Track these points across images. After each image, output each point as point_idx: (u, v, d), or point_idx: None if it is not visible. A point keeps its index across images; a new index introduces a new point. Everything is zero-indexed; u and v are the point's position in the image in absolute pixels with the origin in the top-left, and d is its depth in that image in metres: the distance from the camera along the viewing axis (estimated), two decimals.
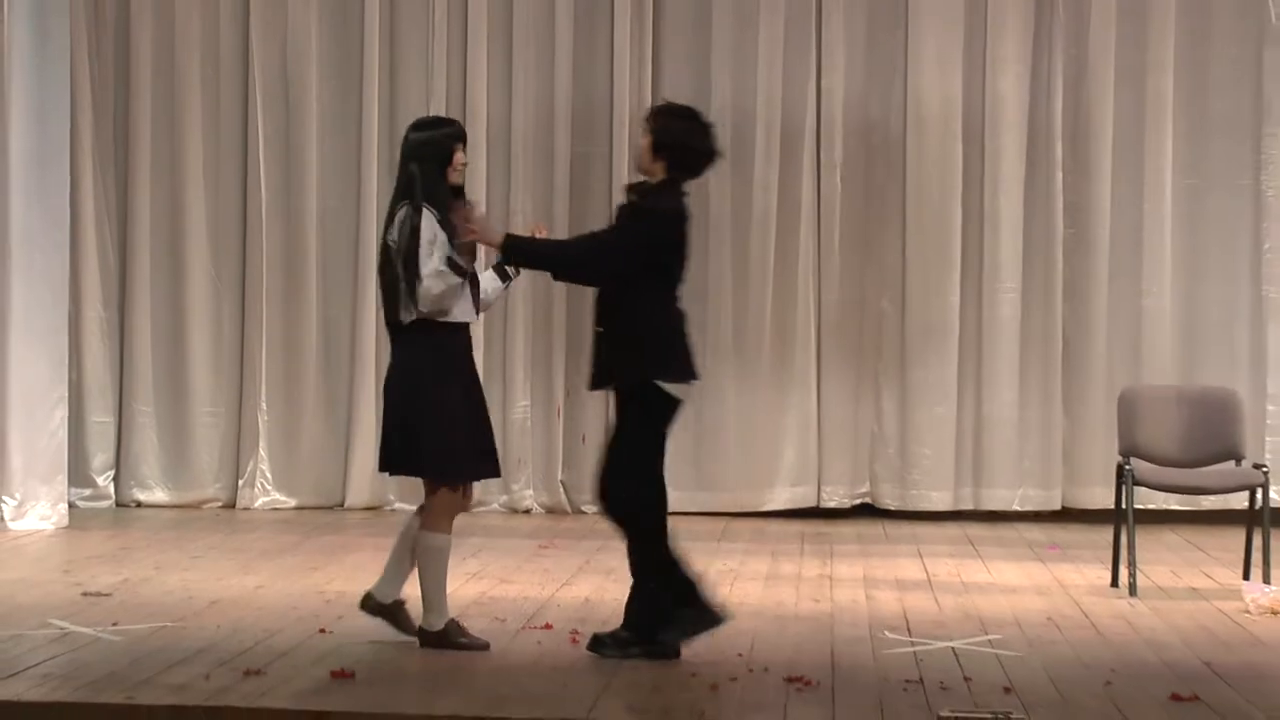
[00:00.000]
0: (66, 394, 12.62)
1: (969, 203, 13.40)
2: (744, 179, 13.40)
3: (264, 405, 13.47)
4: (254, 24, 13.48)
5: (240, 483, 13.53)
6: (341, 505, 13.48)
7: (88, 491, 13.36)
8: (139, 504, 13.51)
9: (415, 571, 8.49)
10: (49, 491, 12.28)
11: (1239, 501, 10.78)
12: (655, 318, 8.37)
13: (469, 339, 8.55)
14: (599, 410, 13.38)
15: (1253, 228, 13.36)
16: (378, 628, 8.73)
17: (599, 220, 13.27)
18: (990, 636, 8.75)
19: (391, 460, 8.57)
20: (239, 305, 13.59)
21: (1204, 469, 10.58)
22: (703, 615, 8.29)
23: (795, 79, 13.47)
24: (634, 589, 8.32)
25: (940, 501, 13.34)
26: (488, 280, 8.70)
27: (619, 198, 13.09)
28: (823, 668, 7.97)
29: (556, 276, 9.28)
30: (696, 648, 8.39)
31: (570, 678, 7.72)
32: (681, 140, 8.49)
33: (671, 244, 8.40)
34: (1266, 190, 13.32)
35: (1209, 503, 12.21)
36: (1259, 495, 10.28)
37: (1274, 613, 9.51)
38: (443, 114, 13.20)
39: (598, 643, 8.30)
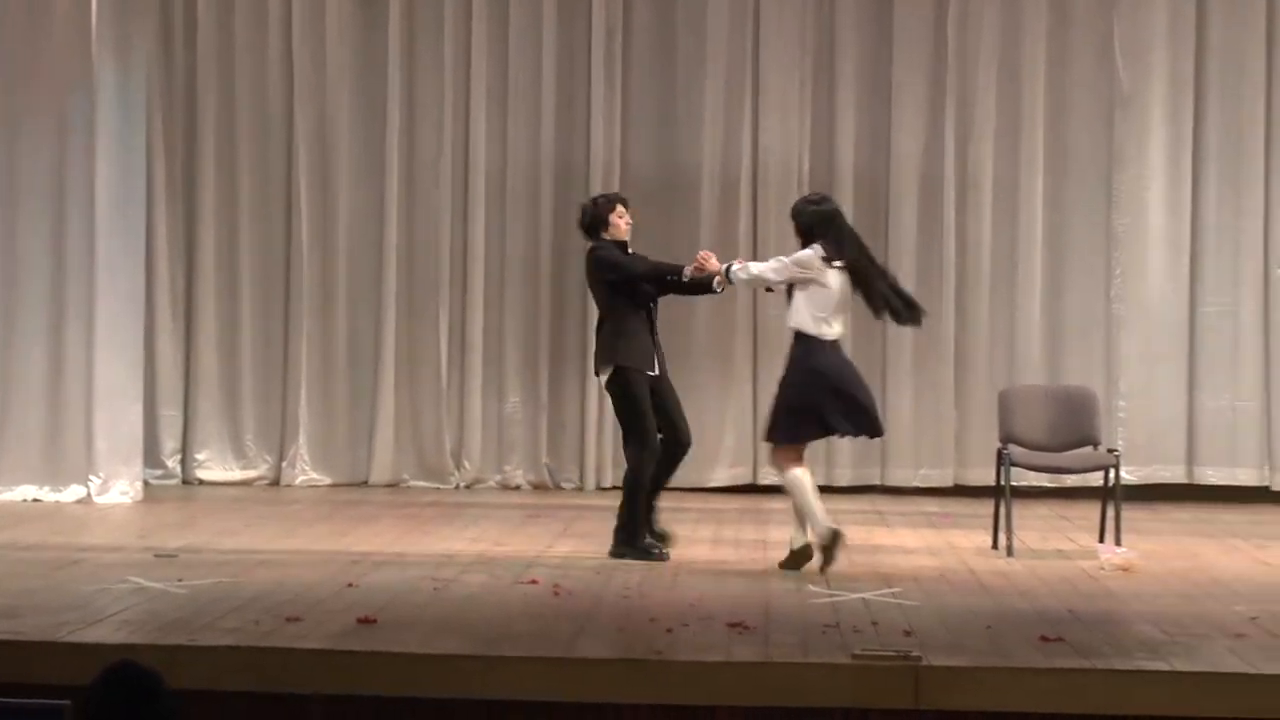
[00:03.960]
0: (142, 391, 12.58)
1: (875, 237, 13.31)
2: (692, 216, 13.39)
3: (302, 400, 13.45)
4: (297, 89, 13.47)
5: (283, 464, 13.50)
6: (366, 483, 13.45)
7: (159, 471, 13.30)
8: (200, 482, 13.46)
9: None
10: (127, 471, 12.22)
11: (1095, 480, 10.80)
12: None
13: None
14: (575, 404, 13.42)
15: (1105, 254, 13.40)
16: (395, 582, 8.71)
17: (577, 247, 13.34)
18: (893, 589, 8.75)
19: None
20: (282, 318, 13.56)
21: (1067, 453, 10.59)
22: None
23: (734, 134, 13.48)
24: None
25: (851, 478, 13.34)
26: None
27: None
28: (758, 615, 7.95)
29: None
30: (655, 599, 8.39)
31: (552, 622, 7.70)
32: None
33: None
34: (1116, 225, 13.36)
35: (1071, 481, 12.23)
36: (1112, 474, 10.30)
37: (1123, 570, 9.53)
38: (449, 163, 13.31)
39: None
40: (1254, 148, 13.29)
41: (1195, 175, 13.36)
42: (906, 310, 9.68)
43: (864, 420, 9.62)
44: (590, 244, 10.07)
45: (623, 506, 9.89)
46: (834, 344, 9.55)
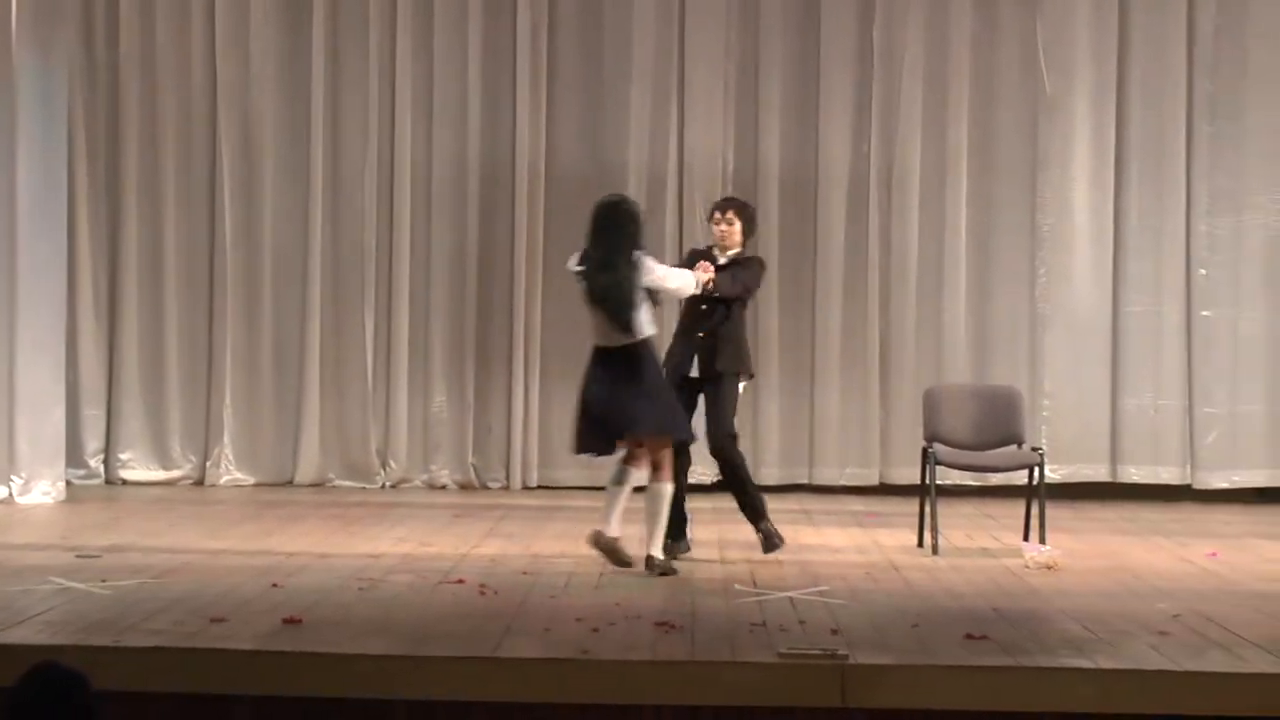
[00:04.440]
0: (64, 392, 12.50)
1: (803, 239, 13.46)
2: None
3: (227, 400, 13.39)
4: (220, 89, 13.40)
5: (208, 464, 13.43)
6: (291, 482, 13.40)
7: (82, 472, 13.22)
8: (124, 482, 13.38)
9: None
10: (50, 472, 12.14)
11: (1020, 478, 10.84)
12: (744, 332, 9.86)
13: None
14: (501, 404, 13.40)
15: (1029, 255, 13.47)
16: (321, 583, 8.68)
17: (503, 248, 13.36)
18: (820, 588, 8.77)
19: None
20: (207, 319, 13.50)
21: (992, 451, 10.65)
22: None
23: (660, 133, 13.49)
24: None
25: (779, 478, 13.37)
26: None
27: (521, 229, 13.27)
28: (685, 615, 7.97)
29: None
30: (581, 599, 8.40)
31: (479, 622, 7.69)
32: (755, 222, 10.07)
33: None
34: (1041, 226, 13.44)
35: (996, 479, 12.29)
36: (1036, 473, 10.36)
37: (1047, 568, 9.59)
38: (374, 163, 13.28)
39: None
40: (1175, 151, 13.39)
41: (1118, 178, 13.45)
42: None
43: (593, 441, 9.42)
44: None
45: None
46: (597, 352, 9.35)
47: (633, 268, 9.25)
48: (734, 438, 9.78)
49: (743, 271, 9.79)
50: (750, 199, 13.17)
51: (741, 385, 9.89)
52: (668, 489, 9.33)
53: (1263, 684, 6.79)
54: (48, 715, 4.44)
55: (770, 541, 9.75)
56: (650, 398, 9.28)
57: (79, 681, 4.52)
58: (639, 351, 9.27)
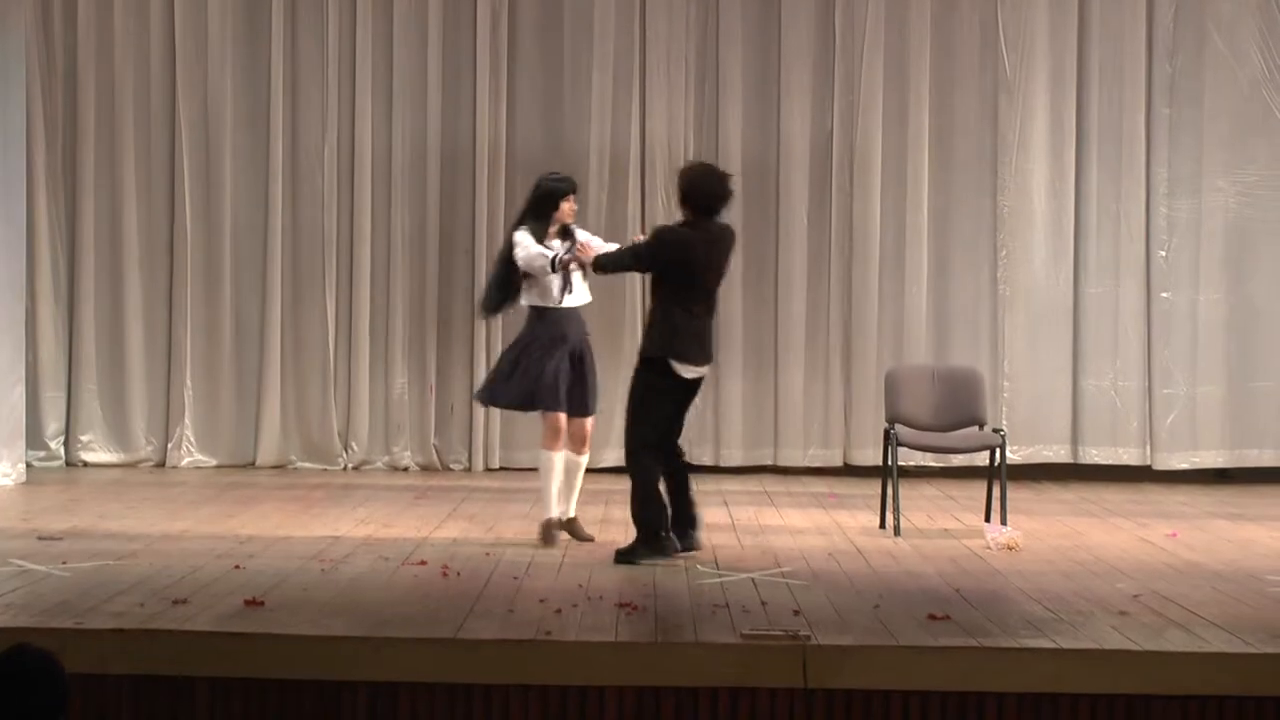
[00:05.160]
0: (24, 374, 12.45)
1: (765, 221, 13.45)
2: (579, 199, 13.33)
3: (188, 382, 13.35)
4: (179, 70, 13.34)
5: (169, 445, 13.39)
6: (252, 464, 13.36)
7: (42, 454, 13.16)
8: (85, 464, 13.33)
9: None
10: (9, 454, 12.08)
11: (981, 459, 10.88)
12: (668, 312, 9.09)
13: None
14: (463, 386, 13.38)
15: (990, 237, 13.50)
16: (282, 565, 8.66)
17: (464, 230, 13.36)
18: (782, 569, 8.79)
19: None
20: (167, 301, 13.45)
21: (953, 433, 10.68)
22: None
23: (621, 120, 13.46)
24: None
25: (742, 459, 13.39)
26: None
27: (481, 212, 13.26)
28: (647, 596, 7.97)
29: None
30: (544, 580, 8.40)
31: (441, 604, 7.69)
32: (695, 188, 9.20)
33: (673, 259, 9.11)
34: (1001, 208, 13.46)
35: (957, 460, 12.33)
36: (997, 454, 10.39)
37: (1009, 548, 9.62)
38: (334, 145, 13.23)
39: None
40: (1135, 133, 13.43)
41: (1078, 160, 13.48)
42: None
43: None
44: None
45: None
46: None
47: (507, 243, 9.77)
48: (642, 445, 9.26)
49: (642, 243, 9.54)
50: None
51: (690, 373, 9.18)
52: (543, 456, 9.68)
53: (1221, 663, 6.82)
54: (22, 698, 4.42)
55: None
56: (510, 367, 9.68)
57: (52, 664, 4.50)
58: (527, 319, 9.74)
